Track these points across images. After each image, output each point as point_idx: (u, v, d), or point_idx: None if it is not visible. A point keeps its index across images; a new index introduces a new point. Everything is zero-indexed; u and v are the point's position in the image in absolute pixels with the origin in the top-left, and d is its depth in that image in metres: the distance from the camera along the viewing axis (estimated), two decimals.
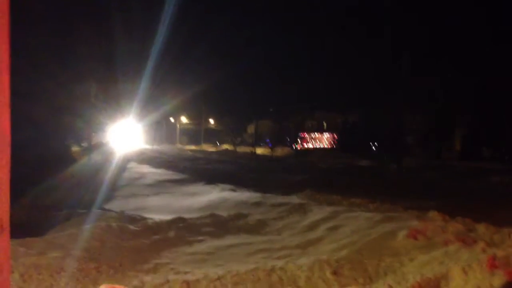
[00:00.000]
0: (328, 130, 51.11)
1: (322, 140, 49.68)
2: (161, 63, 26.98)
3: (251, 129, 59.95)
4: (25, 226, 7.08)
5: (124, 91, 26.59)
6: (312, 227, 7.53)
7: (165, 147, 49.38)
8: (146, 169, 20.28)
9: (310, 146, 48.31)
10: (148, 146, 46.99)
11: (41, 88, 18.04)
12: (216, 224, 8.15)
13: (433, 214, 7.84)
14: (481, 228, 6.57)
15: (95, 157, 22.50)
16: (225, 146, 54.63)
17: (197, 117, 63.10)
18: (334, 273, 5.19)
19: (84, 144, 27.61)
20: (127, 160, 24.59)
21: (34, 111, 17.95)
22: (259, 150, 47.71)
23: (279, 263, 5.57)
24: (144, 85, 27.06)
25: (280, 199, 10.58)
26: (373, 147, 33.47)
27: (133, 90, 27.59)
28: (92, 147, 26.30)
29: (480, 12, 30.71)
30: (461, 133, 35.60)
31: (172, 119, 63.06)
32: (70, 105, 20.60)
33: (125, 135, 42.69)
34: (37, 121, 18.12)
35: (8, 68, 2.41)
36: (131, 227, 7.27)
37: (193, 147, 53.74)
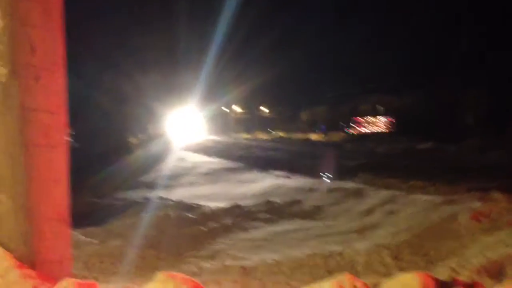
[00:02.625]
0: (384, 113, 49.93)
1: (378, 124, 48.64)
2: (220, 54, 27.27)
3: (304, 115, 59.52)
4: (87, 216, 7.35)
5: (183, 82, 27.10)
6: (369, 211, 7.39)
7: (219, 137, 49.93)
8: (201, 158, 20.57)
9: (366, 130, 47.43)
10: (203, 136, 47.69)
11: (106, 77, 18.63)
12: (272, 210, 8.16)
13: (496, 195, 7.47)
14: None
15: (153, 147, 23.03)
16: (279, 134, 54.57)
17: (251, 105, 63.38)
18: (394, 257, 5.07)
19: (142, 135, 28.35)
20: (183, 149, 25.03)
21: (100, 101, 18.58)
22: (313, 136, 47.27)
23: (337, 248, 5.50)
24: (201, 76, 27.51)
25: (335, 184, 10.45)
26: (432, 129, 32.39)
27: (191, 81, 28.08)
28: (150, 138, 26.96)
29: None
30: None
31: (226, 109, 63.65)
32: (133, 95, 21.19)
33: (182, 125, 43.52)
34: (103, 112, 18.75)
35: (64, 62, 2.47)
36: (189, 215, 7.40)
37: (247, 136, 54.06)
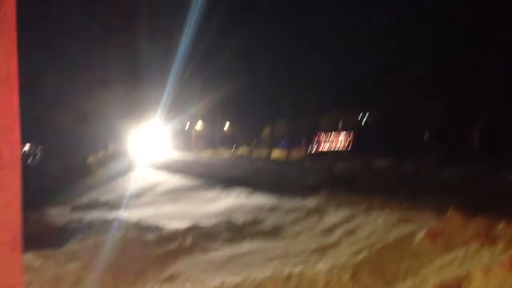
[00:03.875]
0: (344, 129, 50.72)
1: (338, 141, 49.33)
2: (182, 70, 27.21)
3: (266, 131, 59.79)
4: (43, 238, 7.14)
5: (145, 99, 26.85)
6: (329, 230, 7.45)
7: (181, 153, 49.57)
8: (162, 176, 20.32)
9: (326, 147, 48.00)
10: (165, 153, 47.20)
11: (66, 93, 18.20)
12: (233, 230, 8.13)
13: (452, 213, 7.67)
14: (502, 226, 6.41)
15: (113, 165, 22.63)
16: (241, 150, 54.63)
17: (212, 122, 63.24)
18: (353, 277, 5.12)
19: (102, 153, 27.85)
20: (144, 167, 24.69)
21: (58, 118, 18.11)
22: (275, 153, 47.52)
23: (297, 269, 5.51)
24: (163, 93, 27.35)
25: (296, 202, 10.49)
26: (391, 145, 33.12)
27: (153, 98, 27.87)
28: (111, 155, 26.51)
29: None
30: (481, 128, 34.97)
31: (187, 125, 63.24)
32: (93, 111, 20.76)
33: (144, 142, 42.99)
34: (61, 129, 18.29)
35: (17, 77, 2.40)
36: (148, 236, 7.28)
37: (209, 152, 53.87)
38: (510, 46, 28.39)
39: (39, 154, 21.60)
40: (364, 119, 45.39)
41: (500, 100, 31.15)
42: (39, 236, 7.40)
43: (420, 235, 6.11)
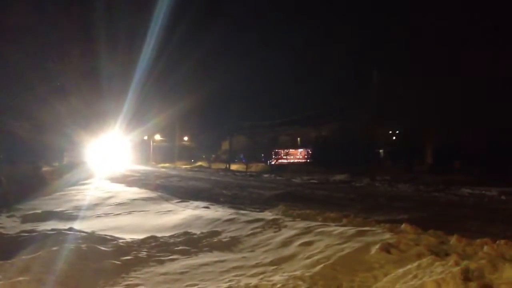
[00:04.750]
0: (302, 145, 51.32)
1: (296, 155, 49.82)
2: (143, 83, 26.99)
3: (225, 145, 59.82)
4: None
5: (105, 111, 26.45)
6: (286, 243, 7.48)
7: (140, 165, 48.89)
8: (118, 187, 20.00)
9: (284, 161, 48.37)
10: (124, 165, 46.41)
11: (23, 103, 17.72)
12: (189, 242, 8.04)
13: (405, 227, 7.88)
14: (453, 240, 6.62)
15: (68, 176, 22.11)
16: (200, 163, 54.41)
17: (171, 134, 62.76)
18: None
19: (56, 164, 27.15)
20: (101, 178, 24.24)
21: (11, 127, 17.59)
22: (234, 166, 47.59)
23: (253, 281, 5.51)
24: (124, 105, 27.01)
25: (253, 215, 10.51)
26: (347, 161, 33.72)
27: (113, 110, 27.47)
28: (68, 166, 25.88)
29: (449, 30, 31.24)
30: (433, 146, 36.15)
31: (146, 137, 62.45)
32: (50, 121, 20.24)
33: (103, 153, 42.22)
34: (15, 138, 17.77)
35: None
36: (102, 248, 7.10)
37: (167, 165, 53.38)
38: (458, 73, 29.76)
39: None
40: (322, 135, 46.07)
41: (451, 120, 32.43)
42: None
43: (374, 248, 6.22)
